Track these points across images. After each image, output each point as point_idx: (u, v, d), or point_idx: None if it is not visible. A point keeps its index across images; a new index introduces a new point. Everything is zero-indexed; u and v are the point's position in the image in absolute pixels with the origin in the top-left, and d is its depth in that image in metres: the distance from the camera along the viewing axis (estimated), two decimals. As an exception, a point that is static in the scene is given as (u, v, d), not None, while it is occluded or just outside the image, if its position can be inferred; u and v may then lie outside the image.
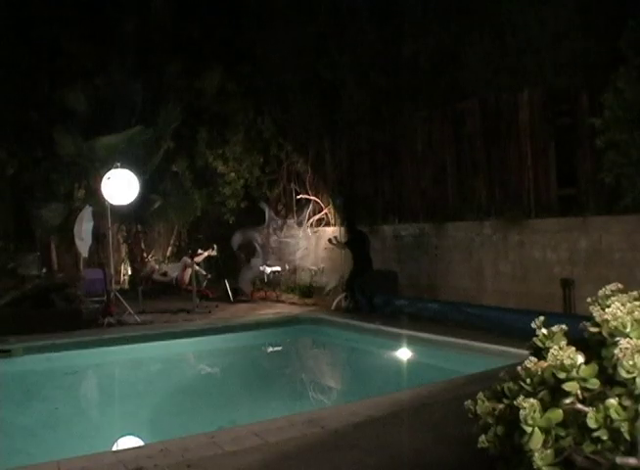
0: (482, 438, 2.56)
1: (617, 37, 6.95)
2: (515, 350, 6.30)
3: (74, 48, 12.64)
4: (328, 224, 12.54)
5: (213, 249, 12.91)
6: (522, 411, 2.31)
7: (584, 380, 2.34)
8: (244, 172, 13.36)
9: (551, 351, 2.41)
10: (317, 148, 12.88)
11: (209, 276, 12.97)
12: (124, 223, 13.71)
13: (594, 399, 2.34)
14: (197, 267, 12.50)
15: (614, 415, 2.25)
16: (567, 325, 2.65)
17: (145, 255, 14.58)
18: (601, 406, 2.28)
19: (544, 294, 8.09)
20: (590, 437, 2.30)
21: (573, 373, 2.34)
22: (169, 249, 15.21)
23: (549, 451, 2.31)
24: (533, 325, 2.72)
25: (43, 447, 5.04)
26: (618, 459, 2.26)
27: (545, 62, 8.35)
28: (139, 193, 10.66)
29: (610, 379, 2.36)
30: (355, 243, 10.37)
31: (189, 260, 12.56)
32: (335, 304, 10.78)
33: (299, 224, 12.32)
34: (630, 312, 2.42)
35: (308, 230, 12.07)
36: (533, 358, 2.54)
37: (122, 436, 5.71)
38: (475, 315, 8.38)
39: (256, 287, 12.96)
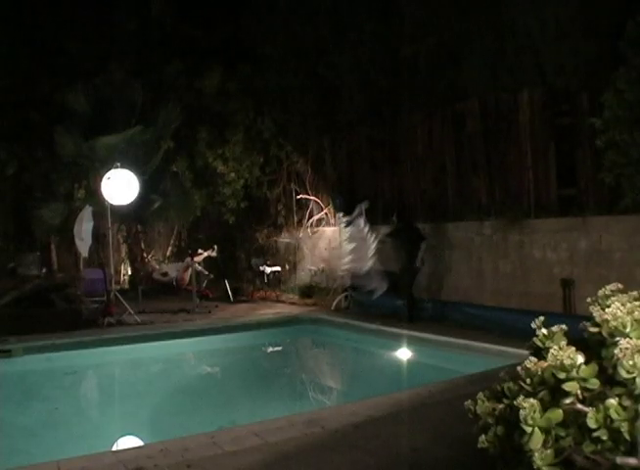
0: (482, 438, 2.56)
1: (617, 37, 6.95)
2: (515, 350, 6.31)
3: (74, 48, 12.64)
4: (328, 224, 12.54)
5: (214, 249, 12.89)
6: (522, 411, 2.31)
7: (584, 380, 2.35)
8: (244, 172, 13.35)
9: (551, 351, 2.41)
10: (317, 148, 12.88)
11: (211, 276, 12.93)
12: (124, 223, 13.71)
13: (594, 399, 2.34)
14: (198, 267, 12.49)
15: (614, 415, 2.25)
16: (567, 325, 2.65)
17: (145, 255, 14.58)
18: (601, 406, 2.28)
19: (544, 294, 8.08)
20: (590, 437, 2.30)
21: (573, 373, 2.34)
22: (169, 249, 15.21)
23: (549, 451, 2.31)
24: (533, 325, 2.72)
25: (43, 447, 5.05)
26: (618, 459, 2.26)
27: (545, 62, 8.34)
28: (139, 193, 10.67)
29: (610, 379, 2.36)
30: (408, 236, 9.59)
31: (190, 260, 12.56)
32: (335, 304, 10.79)
33: (348, 224, 11.16)
34: (630, 312, 2.42)
35: (364, 229, 10.74)
36: (533, 358, 2.54)
37: (122, 436, 5.72)
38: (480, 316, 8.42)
39: (256, 287, 12.97)
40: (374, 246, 10.27)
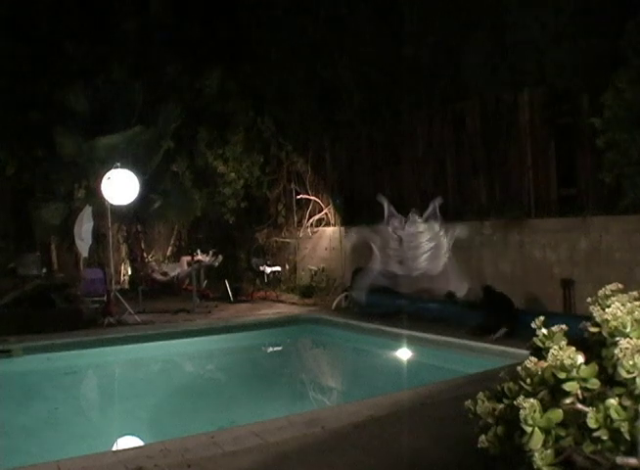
0: (482, 438, 2.56)
1: (617, 37, 6.95)
2: (515, 350, 6.32)
3: (74, 48, 12.63)
4: (328, 224, 12.54)
5: (217, 258, 12.78)
6: (522, 411, 2.31)
7: (584, 380, 2.34)
8: (244, 172, 13.35)
9: (551, 351, 2.41)
10: (317, 148, 12.89)
11: (220, 257, 12.83)
12: (124, 223, 13.71)
13: (594, 399, 2.34)
14: (206, 260, 12.47)
15: (614, 415, 2.25)
16: (567, 325, 2.65)
17: (145, 255, 14.58)
18: (601, 406, 2.28)
19: (544, 294, 8.08)
20: (590, 437, 2.30)
21: (573, 373, 2.34)
22: (169, 249, 15.21)
23: (549, 451, 2.31)
24: (533, 325, 2.73)
25: (43, 447, 5.05)
26: (618, 459, 2.26)
27: (545, 62, 8.35)
28: (139, 193, 10.66)
29: (610, 379, 2.36)
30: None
31: (190, 259, 12.57)
32: (335, 304, 10.78)
33: (426, 221, 9.95)
34: (630, 312, 2.42)
35: (436, 227, 9.69)
36: (533, 358, 2.54)
37: (122, 436, 5.72)
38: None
39: (256, 287, 12.97)
40: (449, 245, 9.67)
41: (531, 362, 2.51)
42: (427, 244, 9.86)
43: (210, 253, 12.85)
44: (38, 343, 8.26)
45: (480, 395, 2.69)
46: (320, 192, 12.77)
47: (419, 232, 9.97)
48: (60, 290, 10.16)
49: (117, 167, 10.37)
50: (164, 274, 13.45)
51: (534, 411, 2.30)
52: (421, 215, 9.94)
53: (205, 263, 12.65)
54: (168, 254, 15.10)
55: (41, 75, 12.65)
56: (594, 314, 2.56)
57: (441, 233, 9.56)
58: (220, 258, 12.83)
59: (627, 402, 2.26)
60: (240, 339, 9.72)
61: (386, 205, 10.84)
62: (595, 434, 2.28)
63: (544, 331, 2.65)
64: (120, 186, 10.33)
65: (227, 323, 9.97)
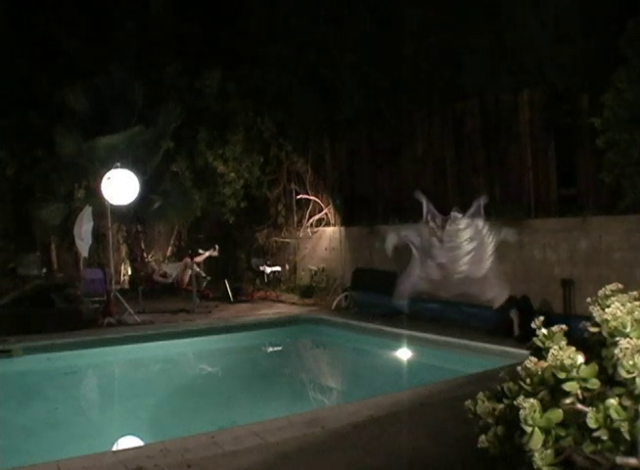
0: (482, 438, 2.56)
1: (617, 37, 6.95)
2: (515, 350, 6.33)
3: (74, 48, 12.63)
4: (328, 224, 12.54)
5: (215, 249, 12.87)
6: (522, 411, 2.31)
7: (584, 380, 2.34)
8: (244, 172, 13.35)
9: (551, 351, 2.41)
10: (317, 148, 12.89)
11: (209, 278, 12.90)
12: (124, 223, 13.70)
13: (594, 399, 2.34)
14: (197, 269, 12.47)
15: (614, 415, 2.25)
16: (567, 325, 2.65)
17: (145, 255, 14.57)
18: (601, 406, 2.28)
19: (544, 294, 8.08)
20: (590, 437, 2.30)
21: (573, 373, 2.34)
22: (169, 249, 15.21)
23: (549, 451, 2.31)
24: (533, 325, 2.73)
25: (43, 447, 5.05)
26: (618, 459, 2.26)
27: (545, 62, 8.35)
28: (139, 193, 10.67)
29: (610, 379, 2.36)
30: None
31: (189, 261, 12.55)
32: (335, 304, 10.78)
33: (469, 220, 8.88)
34: (630, 312, 2.42)
35: (480, 228, 9.42)
36: (533, 358, 2.54)
37: (122, 436, 5.71)
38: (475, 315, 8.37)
39: (256, 287, 12.97)
40: (492, 247, 9.19)
41: (531, 362, 2.51)
42: (469, 245, 9.59)
43: (217, 247, 12.85)
44: (38, 343, 8.26)
45: (480, 395, 2.70)
46: (320, 192, 12.77)
47: (460, 232, 9.78)
48: (60, 290, 10.16)
49: (117, 167, 10.37)
50: (164, 276, 13.44)
51: (534, 411, 2.30)
52: (463, 214, 9.60)
53: (200, 266, 12.63)
54: (168, 254, 15.10)
55: (41, 75, 12.64)
56: (594, 314, 2.56)
57: (485, 234, 9.35)
58: (209, 278, 12.80)
59: (627, 402, 2.26)
60: (240, 339, 9.72)
61: (425, 203, 10.46)
62: (595, 434, 2.28)
63: (544, 331, 2.66)
64: (120, 186, 10.34)
65: (227, 323, 9.98)
